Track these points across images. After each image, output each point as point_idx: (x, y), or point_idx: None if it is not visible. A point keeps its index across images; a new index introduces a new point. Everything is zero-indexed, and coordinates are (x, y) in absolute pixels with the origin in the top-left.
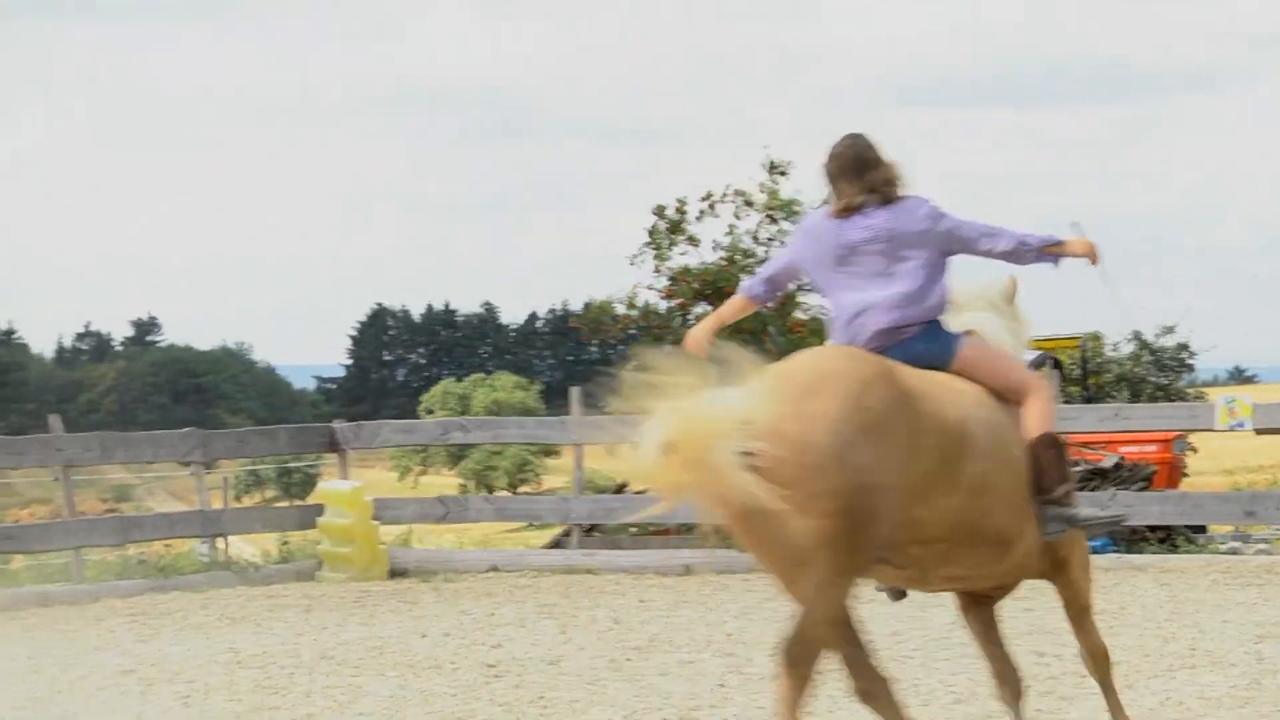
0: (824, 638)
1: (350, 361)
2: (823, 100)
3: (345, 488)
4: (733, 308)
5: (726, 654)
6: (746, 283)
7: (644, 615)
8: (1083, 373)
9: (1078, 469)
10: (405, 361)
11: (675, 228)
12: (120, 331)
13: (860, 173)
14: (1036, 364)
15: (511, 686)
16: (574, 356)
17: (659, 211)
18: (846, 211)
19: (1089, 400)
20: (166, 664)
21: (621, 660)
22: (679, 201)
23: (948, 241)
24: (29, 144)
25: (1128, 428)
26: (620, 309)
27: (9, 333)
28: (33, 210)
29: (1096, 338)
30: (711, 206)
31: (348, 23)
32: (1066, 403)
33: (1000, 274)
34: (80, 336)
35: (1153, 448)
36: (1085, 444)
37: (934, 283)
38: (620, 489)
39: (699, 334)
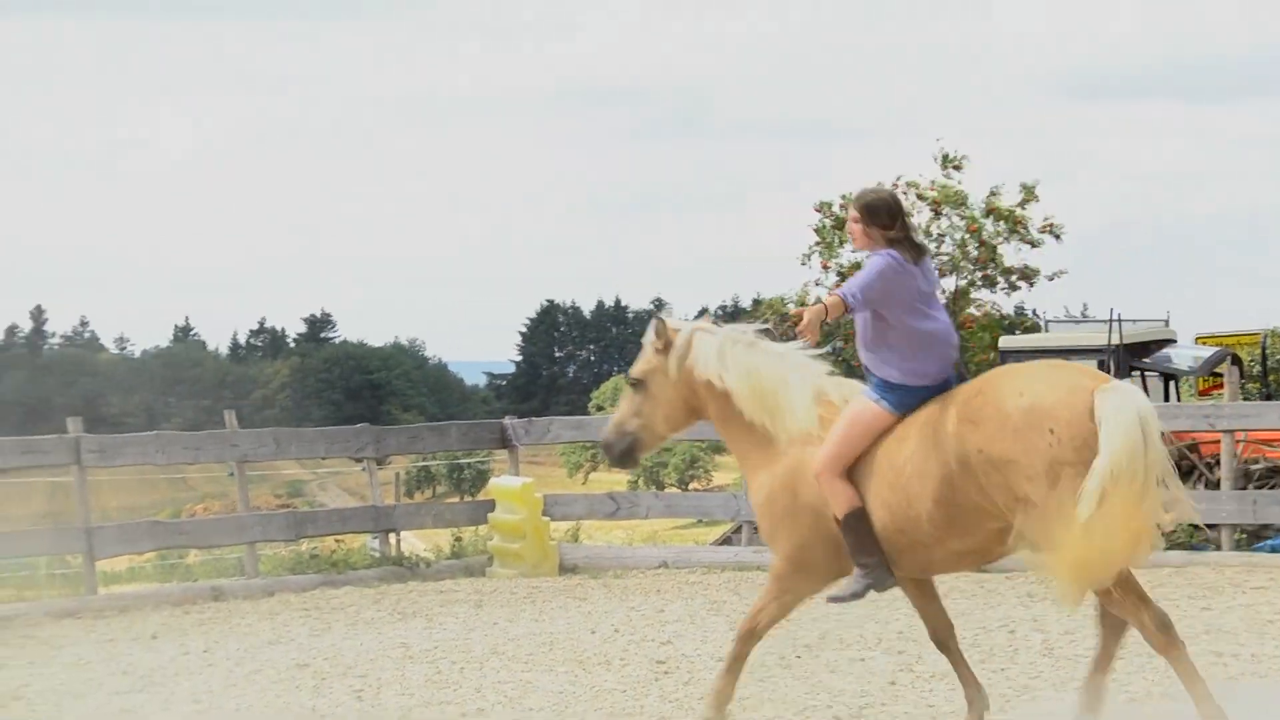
0: None
1: (521, 358)
2: (994, 95)
3: (516, 484)
4: (835, 309)
5: (897, 651)
6: (844, 289)
7: (814, 612)
8: (1263, 369)
9: (1258, 466)
10: (575, 358)
11: (841, 224)
12: (294, 328)
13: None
14: (1217, 359)
15: (681, 683)
16: None
17: (823, 208)
18: (921, 256)
19: (1269, 397)
20: (339, 658)
21: (791, 657)
22: (843, 198)
23: None
24: (203, 142)
25: None
26: (791, 307)
27: (186, 329)
28: (207, 207)
29: (1278, 334)
30: None
31: (520, 19)
32: (1246, 399)
33: None
34: (254, 333)
35: None
36: (1266, 441)
37: None
38: None
39: (811, 322)
